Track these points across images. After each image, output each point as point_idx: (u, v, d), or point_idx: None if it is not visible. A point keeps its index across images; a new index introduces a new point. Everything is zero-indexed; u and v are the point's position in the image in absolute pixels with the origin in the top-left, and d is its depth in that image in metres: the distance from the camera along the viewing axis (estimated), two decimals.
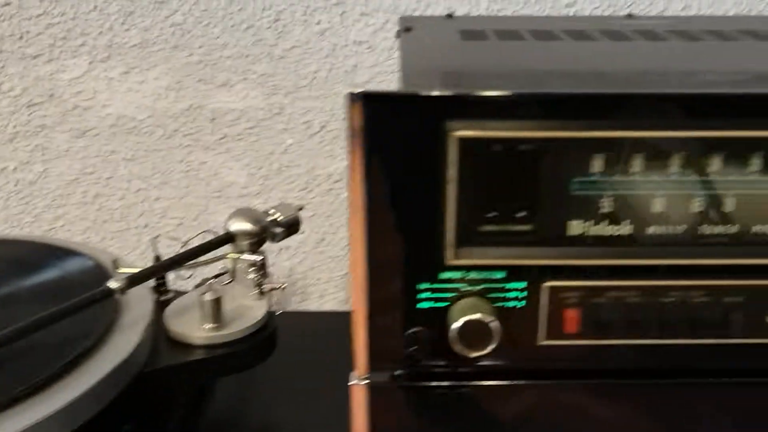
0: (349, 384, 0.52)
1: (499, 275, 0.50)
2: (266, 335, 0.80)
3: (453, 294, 0.51)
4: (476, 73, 0.57)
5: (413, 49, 0.65)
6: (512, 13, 1.01)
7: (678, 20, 0.83)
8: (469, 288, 0.51)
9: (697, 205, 0.50)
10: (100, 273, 0.79)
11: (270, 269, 0.85)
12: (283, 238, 0.87)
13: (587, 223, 0.50)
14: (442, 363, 0.52)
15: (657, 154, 0.48)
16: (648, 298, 0.51)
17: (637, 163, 0.49)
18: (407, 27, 0.74)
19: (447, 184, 0.47)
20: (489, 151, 0.48)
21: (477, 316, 0.48)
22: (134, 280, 0.74)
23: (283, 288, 0.85)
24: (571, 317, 0.51)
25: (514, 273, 0.50)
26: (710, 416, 0.56)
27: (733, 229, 0.51)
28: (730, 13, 1.02)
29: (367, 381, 0.52)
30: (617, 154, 0.48)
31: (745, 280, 0.51)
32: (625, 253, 0.50)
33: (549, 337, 0.52)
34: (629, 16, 0.89)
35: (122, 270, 0.79)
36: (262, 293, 0.83)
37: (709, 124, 0.47)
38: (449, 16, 0.86)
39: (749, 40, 0.69)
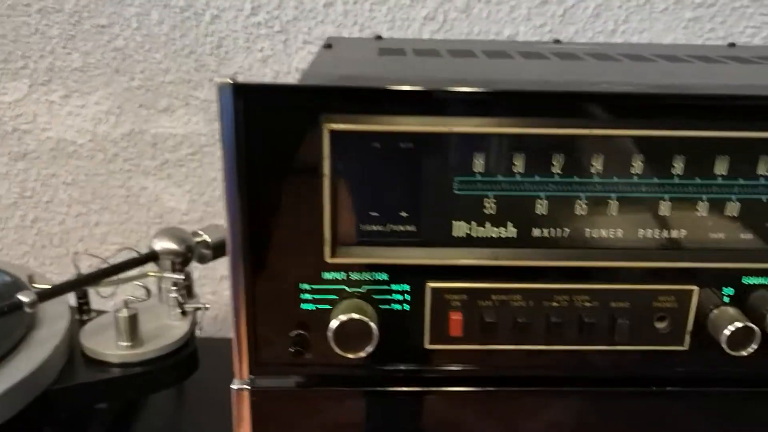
0: (232, 388, 0.50)
1: (383, 277, 0.49)
2: (186, 355, 0.79)
3: (336, 296, 0.49)
4: (372, 77, 0.57)
5: (324, 60, 0.65)
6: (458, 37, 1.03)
7: (601, 45, 0.84)
8: (352, 290, 0.49)
9: (581, 208, 0.49)
10: (14, 288, 0.77)
11: (201, 290, 0.83)
12: (212, 260, 0.86)
13: (472, 224, 0.49)
14: (326, 366, 0.51)
15: (540, 154, 0.48)
16: (534, 302, 0.50)
17: (519, 163, 0.48)
18: (328, 44, 0.74)
19: (322, 179, 0.46)
20: (368, 148, 0.47)
21: (354, 315, 0.47)
22: (46, 295, 0.72)
23: (206, 308, 0.83)
24: (456, 320, 0.49)
25: (398, 274, 0.49)
26: (598, 424, 0.54)
27: (618, 232, 0.50)
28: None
29: (250, 385, 0.51)
30: (499, 153, 0.48)
31: (632, 284, 0.50)
32: (510, 255, 0.49)
33: (434, 341, 0.50)
34: (557, 41, 0.90)
35: (38, 285, 0.77)
36: (184, 313, 0.81)
37: (592, 122, 0.47)
38: (378, 37, 0.86)
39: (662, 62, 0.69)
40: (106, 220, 1.13)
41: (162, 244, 0.81)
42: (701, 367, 0.52)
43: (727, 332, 0.49)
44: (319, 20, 1.05)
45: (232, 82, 0.43)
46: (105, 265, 0.78)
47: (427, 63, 0.65)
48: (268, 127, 0.45)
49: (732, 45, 0.89)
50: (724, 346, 0.49)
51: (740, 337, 0.49)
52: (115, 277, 0.79)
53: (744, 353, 0.49)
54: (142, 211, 1.12)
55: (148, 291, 0.77)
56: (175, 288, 0.80)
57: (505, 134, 0.47)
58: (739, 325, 0.48)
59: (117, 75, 1.06)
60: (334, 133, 0.45)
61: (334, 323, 0.47)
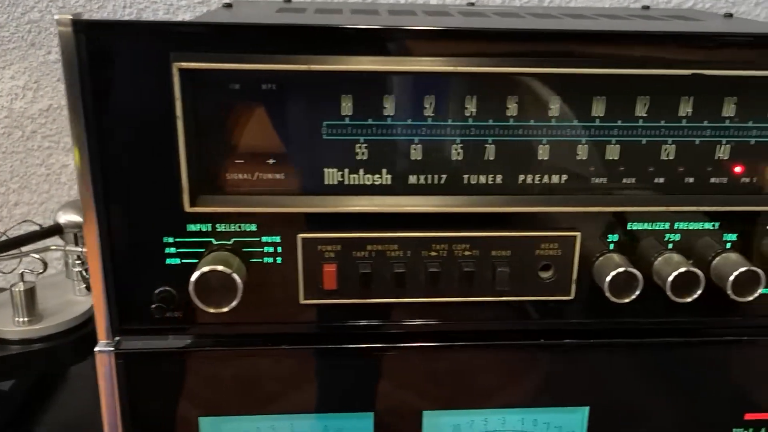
0: (95, 351, 0.47)
1: (251, 228, 0.46)
2: (89, 331, 0.74)
3: (203, 249, 0.46)
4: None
5: (214, 14, 0.61)
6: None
7: (514, 7, 0.81)
8: (219, 242, 0.46)
9: (457, 153, 0.46)
10: None
11: None
12: None
13: (344, 171, 0.46)
14: (195, 325, 0.47)
15: (411, 96, 0.45)
16: (412, 252, 0.47)
17: (390, 106, 0.45)
18: (228, 3, 0.71)
19: (175, 121, 0.42)
20: (227, 89, 0.43)
21: (216, 267, 0.43)
22: None
23: None
24: (330, 272, 0.46)
25: (268, 225, 0.46)
26: (482, 378, 0.51)
27: (497, 178, 0.47)
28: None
29: (114, 347, 0.47)
30: (368, 95, 0.45)
31: (513, 231, 0.47)
32: (385, 203, 0.46)
33: (309, 295, 0.47)
34: (470, 3, 0.87)
35: None
36: (89, 288, 0.77)
37: (461, 61, 0.44)
38: (287, 0, 0.82)
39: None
40: (25, 200, 1.07)
41: (66, 217, 0.77)
42: (588, 317, 0.50)
43: (608, 278, 0.46)
44: None
45: (71, 18, 0.40)
46: (3, 239, 0.74)
47: (320, 18, 0.61)
48: (114, 66, 0.42)
49: (646, 7, 0.87)
50: (606, 292, 0.46)
51: (622, 283, 0.46)
52: (16, 251, 0.75)
53: (626, 300, 0.46)
54: (64, 190, 1.07)
55: (45, 264, 0.73)
56: (79, 262, 0.76)
57: (372, 74, 0.43)
58: (620, 270, 0.46)
59: (33, 48, 1.01)
60: (185, 72, 0.41)
61: (194, 276, 0.43)
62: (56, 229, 0.78)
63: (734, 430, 0.54)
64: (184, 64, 0.41)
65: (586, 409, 0.53)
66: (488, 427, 0.53)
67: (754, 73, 0.45)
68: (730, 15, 0.77)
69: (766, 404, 0.54)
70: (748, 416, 0.54)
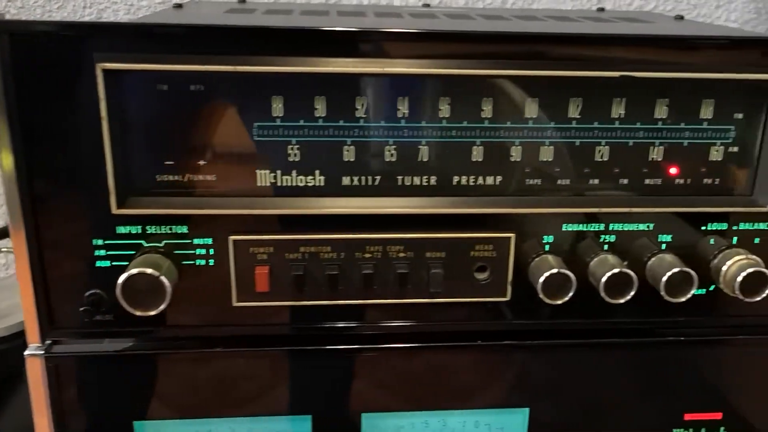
0: (24, 354, 0.46)
1: (182, 230, 0.45)
2: None
3: (133, 251, 0.45)
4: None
5: (160, 15, 0.60)
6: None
7: (466, 9, 0.81)
8: (150, 244, 0.45)
9: (390, 154, 0.46)
10: None
11: None
12: None
13: (277, 173, 0.46)
14: (127, 328, 0.46)
15: (342, 97, 0.44)
16: (345, 253, 0.46)
17: (321, 107, 0.44)
18: (178, 4, 0.70)
19: (101, 122, 0.41)
20: (154, 90, 0.43)
21: (144, 270, 0.42)
22: None
23: None
24: (262, 274, 0.46)
25: (199, 227, 0.45)
26: (421, 380, 0.51)
27: (431, 179, 0.47)
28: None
29: (44, 351, 0.46)
30: (299, 95, 0.44)
31: (447, 232, 0.47)
32: (318, 205, 0.46)
33: (241, 297, 0.46)
34: (426, 5, 0.87)
35: None
36: None
37: (389, 62, 0.43)
38: (242, 0, 0.82)
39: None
40: None
41: None
42: (525, 318, 0.50)
43: (541, 279, 0.46)
44: None
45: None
46: None
47: (268, 19, 0.61)
48: (39, 67, 0.41)
49: (601, 9, 0.87)
50: (540, 294, 0.46)
51: (555, 284, 0.46)
52: None
53: (559, 301, 0.46)
54: None
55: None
56: None
57: (302, 75, 0.43)
58: (553, 271, 0.46)
59: None
60: (109, 73, 0.41)
61: (121, 278, 0.42)
62: (4, 232, 0.77)
63: (674, 430, 0.54)
64: (108, 65, 0.41)
65: (527, 410, 0.53)
66: (429, 429, 0.53)
67: (684, 75, 0.44)
68: (681, 17, 0.78)
69: (704, 404, 0.54)
70: (688, 416, 0.54)
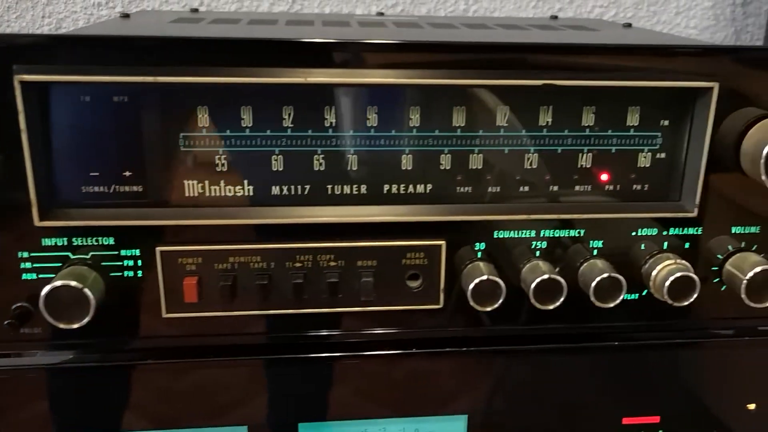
0: None
1: (109, 241, 0.45)
2: None
3: (60, 263, 0.44)
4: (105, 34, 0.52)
5: (105, 26, 0.60)
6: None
7: (420, 17, 0.81)
8: (77, 256, 0.45)
9: (319, 163, 0.46)
10: None
11: None
12: None
13: (205, 183, 0.45)
14: (57, 341, 0.46)
15: (269, 106, 0.44)
16: (275, 263, 0.46)
17: (248, 117, 0.44)
18: (125, 14, 0.69)
19: (21, 134, 0.41)
20: (78, 102, 0.42)
21: (68, 282, 0.42)
22: None
23: None
24: (190, 285, 0.45)
25: (126, 238, 0.45)
26: (358, 388, 0.51)
27: (362, 188, 0.47)
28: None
29: None
30: (225, 105, 0.44)
31: (378, 241, 0.47)
32: (247, 214, 0.45)
33: (170, 309, 0.46)
34: (380, 14, 0.87)
35: None
36: None
37: (320, 71, 0.43)
38: (194, 10, 0.81)
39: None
40: None
41: None
42: (459, 325, 0.49)
43: (471, 286, 0.46)
44: (163, 0, 0.99)
45: None
46: None
47: (209, 28, 0.60)
48: None
49: (554, 17, 0.87)
50: (470, 300, 0.46)
51: (485, 291, 0.46)
52: None
53: (489, 308, 0.46)
54: None
55: None
56: None
57: (227, 85, 0.43)
58: (483, 278, 0.45)
59: None
60: (28, 85, 0.40)
61: (44, 291, 0.42)
62: None
63: None
64: (26, 77, 0.40)
65: (465, 417, 0.52)
66: None
67: (606, 84, 0.45)
68: (629, 25, 0.78)
69: (642, 408, 0.54)
70: (626, 420, 0.54)
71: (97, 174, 0.44)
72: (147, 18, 0.69)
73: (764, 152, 0.44)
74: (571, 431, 0.54)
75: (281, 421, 0.51)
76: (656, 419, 0.54)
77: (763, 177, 0.44)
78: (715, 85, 0.45)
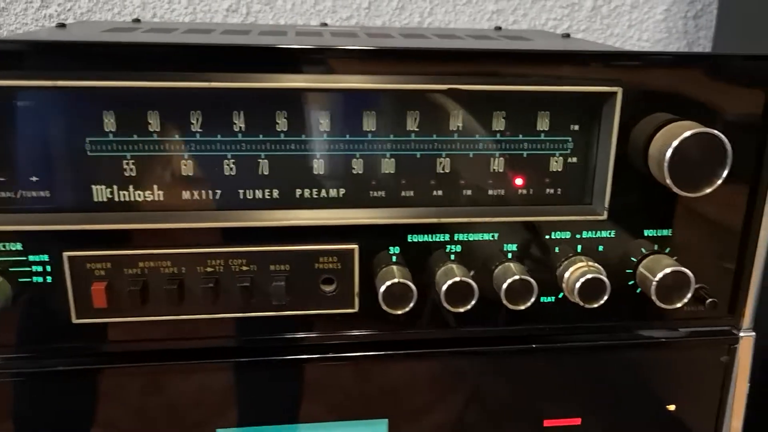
0: None
1: (17, 247, 0.44)
2: None
3: None
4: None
5: (34, 35, 0.59)
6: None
7: (379, 27, 0.81)
8: None
9: (230, 168, 0.45)
10: None
11: None
12: None
13: (113, 188, 0.45)
14: None
15: (176, 110, 0.44)
16: (187, 268, 0.46)
17: (155, 121, 0.44)
18: (61, 23, 0.69)
19: None
20: None
21: None
22: None
23: None
24: (98, 291, 0.44)
25: (34, 244, 0.44)
26: (277, 393, 0.50)
27: (274, 192, 0.46)
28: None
29: None
30: (131, 110, 0.43)
31: (290, 245, 0.46)
32: (157, 219, 0.45)
33: (80, 314, 0.45)
34: (324, 24, 0.87)
35: None
36: None
37: (227, 76, 0.43)
38: (136, 20, 0.81)
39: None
40: None
41: None
42: (376, 329, 0.49)
43: (382, 289, 0.45)
44: (115, 12, 0.99)
45: None
46: None
47: (136, 36, 0.60)
48: None
49: (498, 28, 0.88)
50: (382, 304, 0.46)
51: (397, 295, 0.46)
52: None
53: (400, 312, 0.46)
54: None
55: None
56: None
57: (134, 90, 0.42)
58: (395, 281, 0.45)
59: None
60: None
61: None
62: None
63: None
64: None
65: (385, 421, 0.52)
66: None
67: (512, 88, 0.45)
68: (568, 35, 0.78)
69: (563, 411, 0.53)
70: (547, 423, 0.54)
71: (3, 179, 0.43)
72: (82, 28, 0.68)
73: (668, 155, 0.44)
74: None
75: (197, 427, 0.50)
76: (577, 421, 0.54)
77: (668, 180, 0.44)
78: (619, 90, 0.45)
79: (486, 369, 0.52)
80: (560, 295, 0.50)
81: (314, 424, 0.51)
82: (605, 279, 0.47)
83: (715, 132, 0.43)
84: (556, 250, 0.49)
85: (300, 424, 0.51)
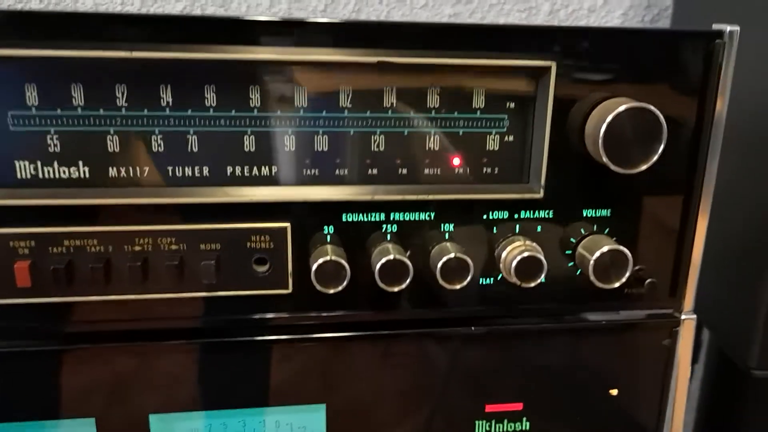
0: None
1: None
2: None
3: None
4: None
5: None
6: None
7: None
8: None
9: (158, 144, 0.43)
10: None
11: None
12: None
13: (37, 164, 0.43)
14: None
15: (101, 84, 0.42)
16: (114, 246, 0.44)
17: (79, 95, 0.42)
18: None
19: None
20: None
21: None
22: None
23: None
24: (21, 269, 0.42)
25: None
26: (211, 378, 0.48)
27: (204, 170, 0.44)
28: None
29: None
30: (54, 83, 0.41)
31: (220, 223, 0.44)
32: (81, 195, 0.43)
33: (2, 293, 0.43)
34: None
35: None
36: None
37: (150, 46, 0.41)
38: None
39: None
40: None
41: None
42: (310, 311, 0.47)
43: (314, 267, 0.44)
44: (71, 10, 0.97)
45: None
46: None
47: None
48: None
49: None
50: (314, 282, 0.44)
51: (329, 273, 0.44)
52: None
53: (332, 291, 0.44)
54: None
55: None
56: None
57: (57, 60, 0.40)
58: (326, 258, 0.44)
59: None
60: None
61: None
62: None
63: (476, 422, 0.52)
64: None
65: (323, 406, 0.50)
66: (228, 431, 0.50)
67: (446, 62, 0.43)
68: None
69: (505, 396, 0.52)
70: (489, 408, 0.52)
71: None
72: None
73: (602, 131, 0.43)
74: (435, 418, 0.52)
75: (131, 412, 0.48)
76: (519, 406, 0.52)
77: (605, 158, 0.43)
78: (553, 64, 0.44)
79: (425, 352, 0.50)
80: (499, 277, 0.49)
81: (249, 410, 0.49)
82: (542, 258, 0.46)
83: (650, 107, 0.42)
84: (494, 230, 0.48)
85: (234, 410, 0.49)
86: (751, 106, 0.58)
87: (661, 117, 0.42)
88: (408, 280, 0.45)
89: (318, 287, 0.44)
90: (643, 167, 0.44)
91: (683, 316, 0.52)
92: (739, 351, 0.64)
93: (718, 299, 0.63)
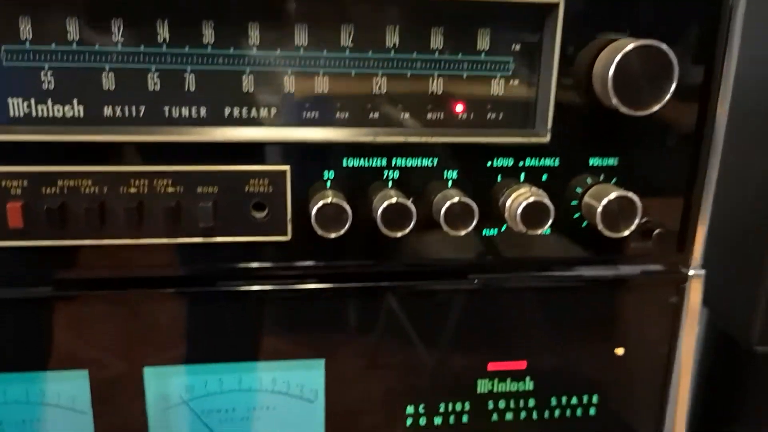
0: None
1: None
2: None
3: None
4: None
5: None
6: None
7: None
8: None
9: (154, 83, 0.42)
10: None
11: None
12: None
13: (31, 101, 0.41)
14: None
15: (97, 18, 0.41)
16: (108, 187, 0.42)
17: (73, 29, 0.40)
18: None
19: None
20: None
21: None
22: None
23: None
24: (14, 209, 0.41)
25: None
26: (205, 330, 0.46)
27: (201, 111, 0.43)
28: None
29: None
30: (49, 16, 0.40)
31: (218, 165, 0.43)
32: (75, 132, 0.42)
33: None
34: None
35: None
36: None
37: None
38: None
39: None
40: None
41: None
42: (310, 259, 0.46)
43: (314, 211, 0.42)
44: None
45: None
46: None
47: None
48: None
49: None
50: (315, 226, 0.42)
51: (330, 217, 0.42)
52: None
53: (332, 235, 0.42)
54: None
55: None
56: None
57: None
58: (327, 200, 0.42)
59: None
60: None
61: None
62: None
63: (478, 380, 0.50)
64: None
65: (322, 361, 0.48)
66: (224, 387, 0.48)
67: None
68: None
69: (508, 354, 0.50)
70: (492, 366, 0.50)
71: None
72: None
73: (611, 71, 0.42)
74: (438, 376, 0.50)
75: (124, 365, 0.46)
76: (523, 365, 0.50)
77: (614, 99, 0.42)
78: (561, 1, 0.42)
79: (426, 307, 0.49)
80: (503, 228, 0.47)
81: (250, 364, 0.48)
82: (549, 203, 0.44)
83: (660, 44, 0.41)
84: (499, 179, 0.46)
85: (234, 364, 0.48)
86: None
87: (673, 55, 0.41)
88: (411, 225, 0.43)
89: (319, 231, 0.43)
90: (655, 107, 0.42)
91: (691, 272, 0.50)
92: (741, 328, 0.62)
93: (717, 277, 0.62)
